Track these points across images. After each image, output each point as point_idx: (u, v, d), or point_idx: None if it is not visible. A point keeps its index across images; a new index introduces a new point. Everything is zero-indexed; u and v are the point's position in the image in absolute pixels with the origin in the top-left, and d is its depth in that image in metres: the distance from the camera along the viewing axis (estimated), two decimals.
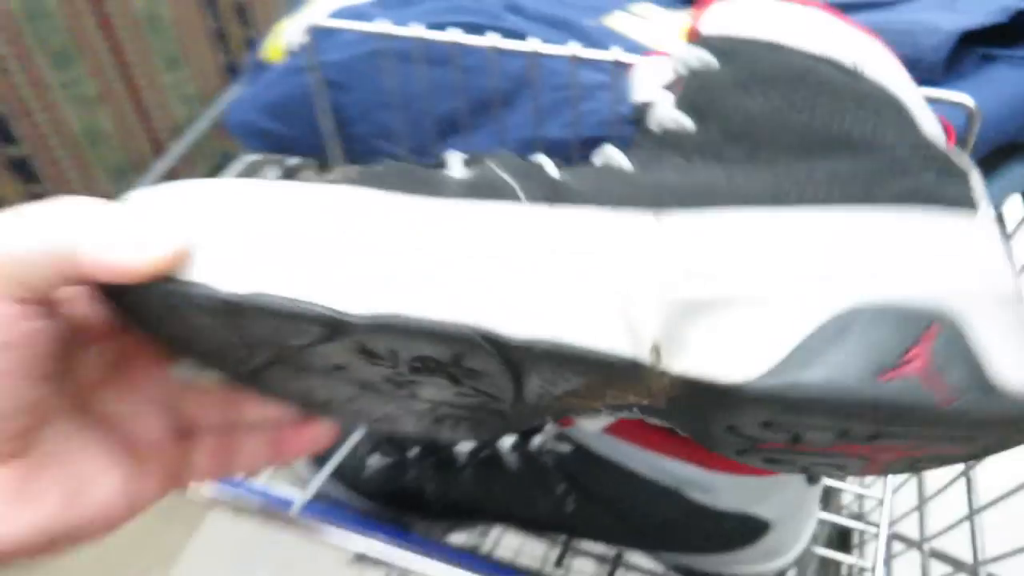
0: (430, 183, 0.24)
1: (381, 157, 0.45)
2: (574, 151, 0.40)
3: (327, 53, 0.42)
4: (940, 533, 0.46)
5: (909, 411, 0.22)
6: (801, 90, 0.27)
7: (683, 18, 0.52)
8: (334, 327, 0.21)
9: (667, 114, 0.28)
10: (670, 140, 0.27)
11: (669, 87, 0.30)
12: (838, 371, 0.22)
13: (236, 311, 0.21)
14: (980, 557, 0.40)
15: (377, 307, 0.21)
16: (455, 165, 0.26)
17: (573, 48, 0.37)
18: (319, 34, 0.41)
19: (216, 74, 1.22)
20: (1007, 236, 0.45)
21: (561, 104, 0.41)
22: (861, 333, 0.22)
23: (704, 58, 0.28)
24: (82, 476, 0.24)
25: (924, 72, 0.40)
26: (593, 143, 0.40)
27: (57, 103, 0.98)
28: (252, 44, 1.28)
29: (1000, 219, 0.46)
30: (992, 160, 0.41)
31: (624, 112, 0.39)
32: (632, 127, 0.40)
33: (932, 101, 0.33)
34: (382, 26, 0.39)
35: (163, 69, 1.12)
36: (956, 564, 0.45)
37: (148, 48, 1.08)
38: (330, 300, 0.21)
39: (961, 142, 0.34)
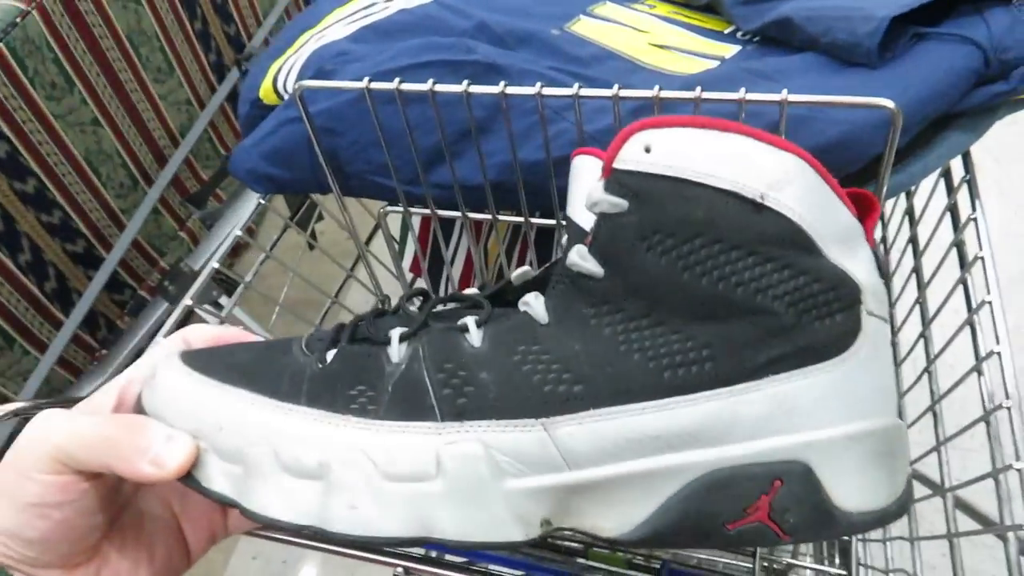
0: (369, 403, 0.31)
1: (378, 190, 0.50)
2: (550, 172, 0.44)
3: (316, 103, 0.46)
4: (918, 459, 0.51)
5: (755, 543, 0.31)
6: (697, 245, 0.29)
7: (643, 15, 0.55)
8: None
9: (581, 261, 0.31)
10: (583, 285, 0.31)
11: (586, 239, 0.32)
12: (692, 524, 0.30)
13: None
14: (947, 483, 0.45)
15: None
16: (394, 348, 0.32)
17: (537, 88, 0.40)
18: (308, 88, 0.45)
19: (206, 75, 1.25)
20: (953, 192, 0.49)
21: (533, 128, 0.45)
22: (708, 495, 0.30)
23: (615, 202, 0.30)
24: (135, 567, 0.32)
25: (862, 56, 0.44)
26: (567, 162, 0.44)
27: (58, 132, 1.02)
28: (236, 41, 1.29)
29: (947, 177, 0.50)
30: (930, 131, 0.44)
31: (589, 132, 0.43)
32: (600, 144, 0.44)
33: (857, 107, 0.37)
34: (363, 84, 0.42)
35: (153, 80, 1.15)
36: (933, 486, 0.50)
37: (136, 64, 1.11)
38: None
39: (886, 142, 0.37)
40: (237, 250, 1.33)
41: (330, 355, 0.31)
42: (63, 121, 1.02)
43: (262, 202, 0.51)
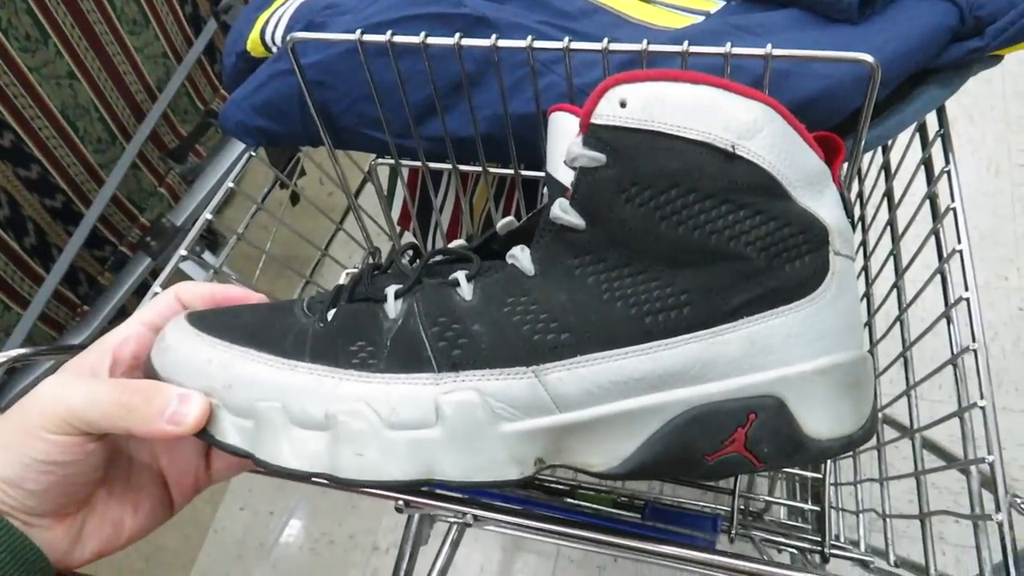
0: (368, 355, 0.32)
1: (369, 143, 0.50)
2: (540, 123, 0.45)
3: (307, 55, 0.47)
4: (888, 404, 0.54)
5: (733, 471, 0.33)
6: (673, 196, 0.31)
7: None
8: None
9: (563, 214, 0.32)
10: (566, 237, 0.32)
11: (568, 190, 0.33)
12: (674, 457, 0.32)
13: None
14: (916, 424, 0.48)
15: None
16: (390, 304, 0.33)
17: (528, 41, 0.41)
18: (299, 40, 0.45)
19: (182, 28, 1.23)
20: (928, 146, 0.50)
21: (523, 81, 0.45)
22: (688, 430, 0.32)
23: (593, 156, 0.31)
24: (121, 516, 0.34)
25: (843, 12, 0.45)
26: None
27: (34, 85, 1.00)
28: None
29: (923, 132, 0.52)
30: (907, 87, 0.46)
31: (578, 85, 0.44)
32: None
33: (838, 62, 0.38)
34: (355, 36, 0.43)
35: (129, 32, 1.13)
36: (902, 428, 0.53)
37: (111, 15, 1.09)
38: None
39: (866, 94, 0.39)
40: (219, 207, 1.32)
41: (331, 314, 0.33)
42: (38, 74, 1.01)
43: (253, 154, 0.51)
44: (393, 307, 0.33)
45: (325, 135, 0.50)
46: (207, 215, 0.48)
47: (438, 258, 0.37)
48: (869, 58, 0.37)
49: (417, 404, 0.31)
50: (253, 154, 0.52)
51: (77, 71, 1.06)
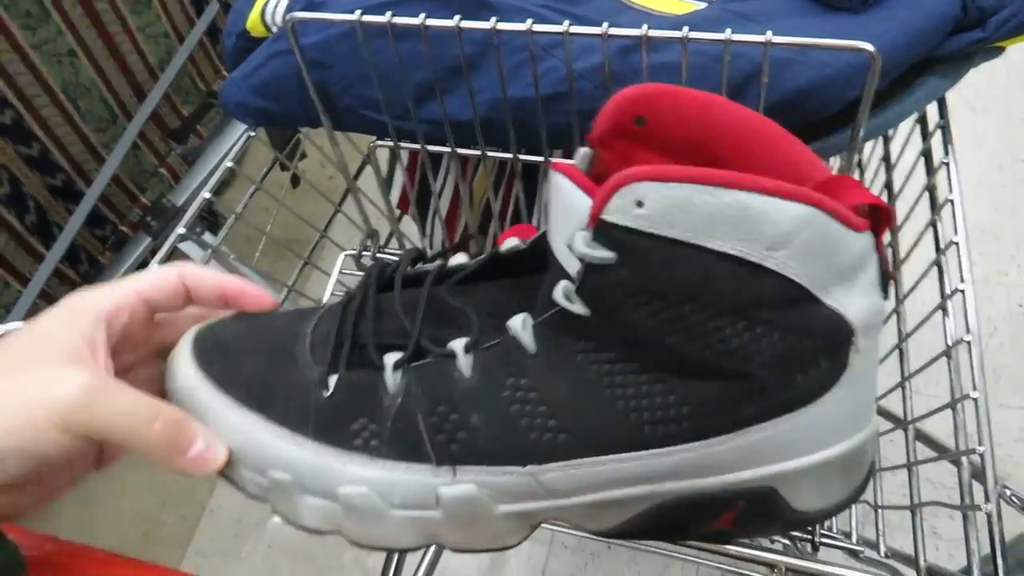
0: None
1: (368, 125, 0.50)
2: (539, 108, 0.45)
3: (306, 35, 0.47)
4: (882, 396, 0.54)
5: (715, 540, 0.36)
6: (687, 311, 0.28)
7: None
8: None
9: (567, 302, 0.30)
10: (570, 319, 0.30)
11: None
12: (663, 530, 0.34)
13: None
14: (909, 416, 0.48)
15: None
16: (389, 376, 0.33)
17: (528, 24, 0.41)
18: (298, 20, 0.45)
19: (183, 7, 1.22)
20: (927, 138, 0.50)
21: (523, 65, 0.45)
22: (677, 511, 0.33)
23: (602, 255, 0.28)
24: (57, 483, 0.32)
25: (845, 1, 0.45)
26: (555, 99, 0.45)
27: (35, 62, 1.00)
28: None
29: (923, 123, 0.52)
30: (908, 76, 0.46)
31: (578, 69, 0.44)
32: (589, 84, 0.44)
33: (838, 50, 0.38)
34: (355, 16, 0.43)
35: (131, 11, 1.12)
36: (895, 420, 0.53)
37: None
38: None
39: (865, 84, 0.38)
40: (219, 188, 1.32)
41: (332, 382, 0.33)
42: (39, 52, 1.01)
43: (252, 134, 0.51)
44: (392, 380, 0.32)
45: (324, 116, 0.49)
46: (205, 194, 0.48)
47: (438, 262, 0.38)
48: (869, 47, 0.37)
49: (418, 492, 0.32)
50: (252, 134, 0.52)
51: (79, 49, 1.06)
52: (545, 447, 0.31)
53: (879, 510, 0.49)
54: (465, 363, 0.32)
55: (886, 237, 0.31)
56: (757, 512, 0.32)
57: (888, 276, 0.31)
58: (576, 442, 0.31)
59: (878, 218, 0.29)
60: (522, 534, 0.34)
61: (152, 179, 1.24)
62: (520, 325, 0.31)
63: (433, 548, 0.85)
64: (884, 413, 0.58)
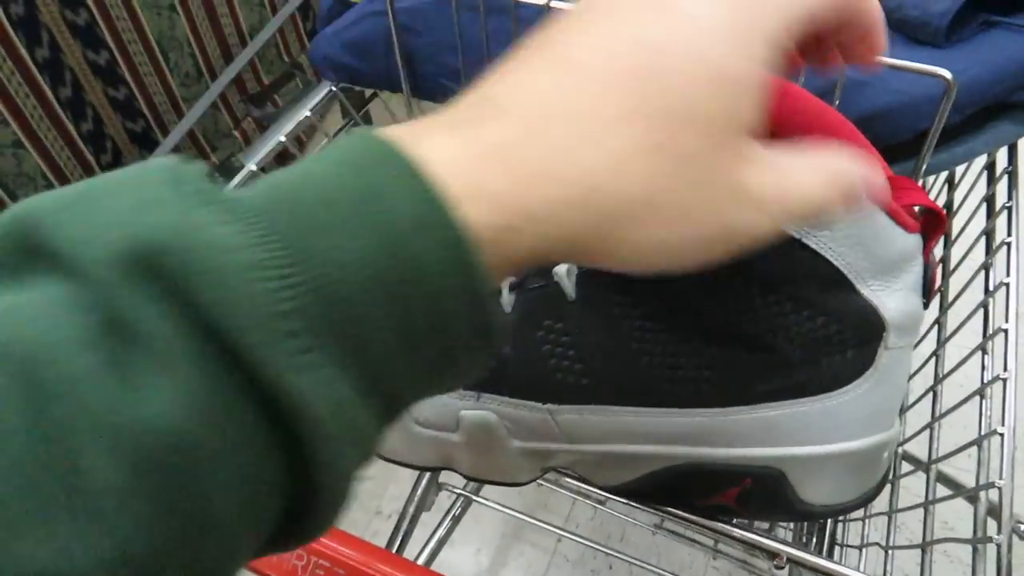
0: None
1: (445, 94, 0.52)
2: None
3: (401, 0, 0.49)
4: (909, 439, 0.53)
5: (718, 515, 0.36)
6: (722, 276, 0.28)
7: None
8: None
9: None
10: (613, 273, 0.27)
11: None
12: (666, 494, 0.35)
13: None
14: (934, 456, 0.48)
15: None
16: None
17: None
18: None
19: None
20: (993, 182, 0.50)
21: None
22: (685, 478, 0.33)
23: None
24: None
25: (930, 34, 0.46)
26: None
27: (136, 9, 1.04)
28: None
29: (991, 168, 0.52)
30: (981, 117, 0.46)
31: None
32: None
33: (913, 74, 0.39)
34: None
35: None
36: (915, 462, 0.52)
37: None
38: None
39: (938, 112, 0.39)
40: (283, 158, 1.36)
41: None
42: (142, 1, 1.05)
43: (334, 88, 0.54)
44: None
45: (405, 81, 0.51)
46: (252, 166, 0.50)
47: None
48: (946, 74, 0.37)
49: (441, 412, 0.34)
50: (334, 88, 0.54)
51: (178, 4, 1.10)
52: (567, 388, 0.32)
53: (889, 551, 0.49)
54: (507, 301, 0.33)
55: (937, 252, 0.31)
56: (762, 493, 0.32)
57: (932, 286, 0.31)
58: (597, 388, 0.32)
59: (932, 224, 0.30)
60: (532, 474, 0.35)
61: (225, 140, 1.28)
62: (565, 272, 0.32)
63: (434, 541, 0.87)
64: (907, 457, 0.58)
